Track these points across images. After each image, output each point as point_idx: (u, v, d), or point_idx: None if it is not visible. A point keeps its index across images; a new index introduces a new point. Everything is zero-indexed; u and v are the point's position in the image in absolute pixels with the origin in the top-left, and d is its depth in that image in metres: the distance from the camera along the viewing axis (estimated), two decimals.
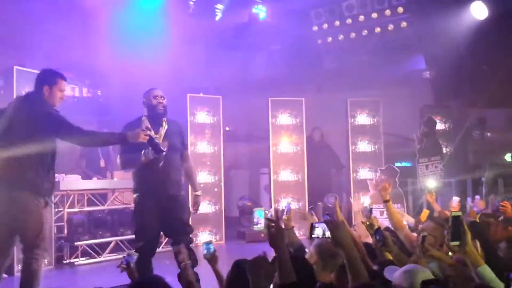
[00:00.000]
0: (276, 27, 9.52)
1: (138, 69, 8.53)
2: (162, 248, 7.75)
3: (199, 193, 5.06)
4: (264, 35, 9.61)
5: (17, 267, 6.04)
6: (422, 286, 1.95)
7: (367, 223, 3.68)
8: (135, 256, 3.04)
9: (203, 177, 8.50)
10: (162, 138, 4.62)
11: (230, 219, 8.97)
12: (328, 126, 9.53)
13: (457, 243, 2.57)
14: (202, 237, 8.35)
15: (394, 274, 2.59)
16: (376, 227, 3.48)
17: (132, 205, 7.93)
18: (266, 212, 3.84)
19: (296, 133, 8.91)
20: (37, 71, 6.59)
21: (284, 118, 8.92)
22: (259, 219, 7.65)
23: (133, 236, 7.26)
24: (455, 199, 5.81)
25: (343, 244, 2.47)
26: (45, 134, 3.99)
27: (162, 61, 8.39)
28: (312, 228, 2.69)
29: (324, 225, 2.58)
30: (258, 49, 9.94)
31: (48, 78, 4.20)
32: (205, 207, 8.44)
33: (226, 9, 9.12)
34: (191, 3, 9.05)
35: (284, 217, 3.98)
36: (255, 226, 7.72)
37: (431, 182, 7.65)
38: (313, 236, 2.70)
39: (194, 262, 4.84)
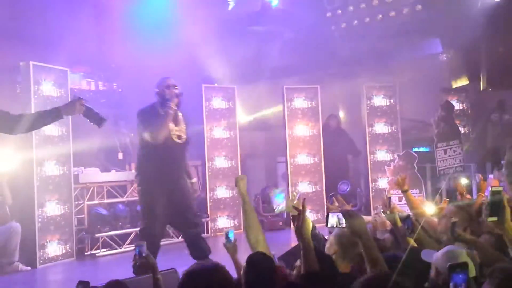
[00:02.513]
0: (289, 15, 9.44)
1: (152, 60, 8.56)
2: (181, 238, 7.81)
3: (194, 180, 5.13)
4: (277, 23, 9.55)
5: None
6: (449, 269, 1.95)
7: (388, 212, 3.69)
8: (144, 243, 3.04)
9: (220, 162, 8.53)
10: (183, 129, 4.69)
11: None
12: (344, 112, 9.48)
13: (495, 218, 2.53)
14: (220, 222, 8.39)
15: (435, 255, 2.60)
16: (397, 215, 3.52)
17: None
18: (294, 193, 3.80)
19: (312, 120, 8.87)
20: (53, 66, 6.74)
21: (300, 102, 8.87)
22: (278, 201, 7.64)
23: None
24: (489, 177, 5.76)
25: (360, 234, 2.48)
26: None
27: (176, 52, 8.40)
28: (327, 217, 2.70)
29: (339, 214, 2.59)
30: (271, 37, 9.88)
31: None
32: (223, 192, 8.49)
33: None
34: None
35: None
36: (276, 208, 7.69)
37: (463, 180, 7.55)
38: (328, 225, 2.70)
39: (206, 252, 4.85)
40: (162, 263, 4.55)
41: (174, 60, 8.45)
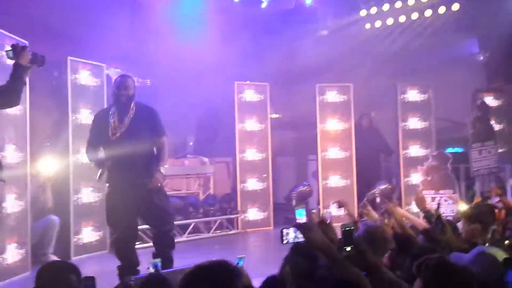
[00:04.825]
0: (323, 13, 9.42)
1: (186, 57, 8.65)
2: (212, 233, 7.89)
3: (161, 169, 4.74)
4: (311, 21, 9.53)
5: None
6: (505, 263, 1.94)
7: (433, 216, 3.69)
8: (158, 260, 3.06)
9: (251, 155, 8.57)
10: (127, 125, 4.64)
11: (277, 206, 9.01)
12: (377, 111, 9.40)
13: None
14: (251, 215, 8.43)
15: (466, 257, 2.57)
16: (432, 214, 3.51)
17: (181, 191, 8.25)
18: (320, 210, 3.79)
19: (344, 114, 8.83)
20: (89, 62, 6.89)
21: (332, 96, 8.83)
22: (299, 217, 7.63)
23: (181, 222, 7.53)
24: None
25: (319, 246, 2.40)
26: None
27: (209, 49, 8.47)
28: (282, 233, 2.67)
29: (294, 228, 2.57)
30: (305, 35, 9.87)
31: None
32: (254, 184, 8.53)
33: None
34: None
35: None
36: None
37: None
38: (283, 242, 2.67)
39: (169, 247, 4.74)
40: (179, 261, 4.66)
41: (207, 57, 8.53)
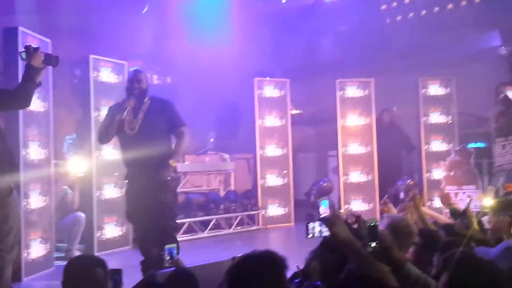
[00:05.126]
0: (343, 8, 9.37)
1: (205, 54, 8.69)
2: (233, 229, 7.93)
3: (171, 162, 4.63)
4: (330, 16, 9.49)
5: None
6: None
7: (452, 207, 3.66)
8: (174, 245, 3.07)
9: (271, 150, 8.58)
10: (142, 119, 4.57)
11: (297, 202, 9.00)
12: (398, 106, 9.31)
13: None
14: (271, 211, 8.43)
15: (492, 252, 2.54)
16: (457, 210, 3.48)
17: (203, 187, 8.30)
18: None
19: (365, 110, 8.77)
20: (111, 60, 6.96)
21: (353, 92, 8.75)
22: (325, 209, 7.59)
23: (202, 218, 7.58)
24: None
25: (344, 241, 2.38)
26: None
27: (228, 46, 8.49)
28: (307, 227, 2.65)
29: (320, 222, 2.55)
30: (324, 30, 9.83)
31: None
32: (274, 180, 8.53)
33: None
34: None
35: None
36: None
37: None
38: (308, 236, 2.65)
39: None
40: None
41: (227, 54, 8.56)
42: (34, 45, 3.87)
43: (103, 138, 4.75)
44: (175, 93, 9.48)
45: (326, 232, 2.51)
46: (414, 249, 2.98)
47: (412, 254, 2.99)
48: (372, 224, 2.59)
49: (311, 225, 2.62)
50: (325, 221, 2.42)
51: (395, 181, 7.95)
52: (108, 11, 7.83)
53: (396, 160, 8.92)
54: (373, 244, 2.54)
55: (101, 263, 2.42)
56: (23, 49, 3.75)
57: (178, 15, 8.79)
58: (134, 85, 4.63)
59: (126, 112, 4.52)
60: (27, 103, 3.73)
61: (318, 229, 2.61)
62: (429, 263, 2.80)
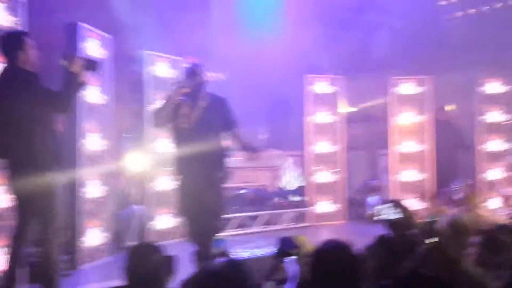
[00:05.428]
0: (399, 3, 9.17)
1: (257, 50, 8.72)
2: (284, 225, 7.93)
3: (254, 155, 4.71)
4: (385, 12, 9.31)
5: None
6: None
7: None
8: (222, 240, 3.10)
9: (322, 147, 8.54)
10: (200, 115, 4.54)
11: (348, 201, 8.89)
12: (455, 104, 9.06)
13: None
14: (321, 208, 8.37)
15: None
16: None
17: (251, 183, 8.34)
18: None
19: (420, 108, 8.57)
20: (167, 56, 7.10)
21: (407, 89, 8.60)
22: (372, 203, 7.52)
23: (254, 213, 7.64)
24: None
25: (411, 224, 2.38)
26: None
27: (280, 41, 8.49)
28: (374, 210, 2.64)
29: (389, 205, 2.51)
30: (379, 26, 9.66)
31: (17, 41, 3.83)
32: (325, 177, 8.50)
33: None
34: None
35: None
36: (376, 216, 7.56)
37: None
38: (375, 219, 2.63)
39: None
40: None
41: (279, 49, 8.55)
42: (72, 53, 4.10)
43: (158, 118, 4.70)
44: (227, 88, 9.57)
45: (392, 215, 2.51)
46: (476, 249, 2.91)
47: (475, 255, 2.91)
48: (430, 220, 2.55)
49: (378, 207, 2.62)
50: (396, 203, 2.44)
51: (450, 181, 7.76)
52: (163, 8, 7.97)
53: (452, 160, 8.69)
54: (430, 241, 2.50)
55: (159, 250, 2.50)
56: (64, 57, 3.83)
57: (230, 10, 8.86)
58: (192, 77, 4.64)
59: (180, 95, 4.50)
60: (67, 108, 3.87)
61: (385, 212, 2.59)
62: (495, 265, 2.72)
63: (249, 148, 4.78)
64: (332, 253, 2.19)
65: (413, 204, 8.20)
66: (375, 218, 2.70)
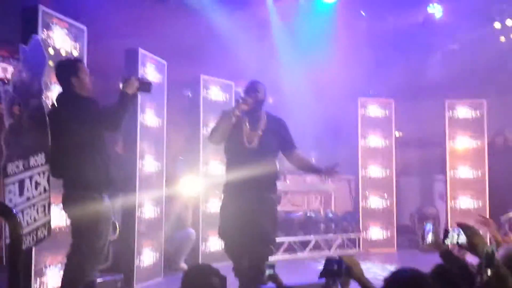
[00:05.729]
0: (453, 26, 9.04)
1: (309, 73, 8.76)
2: (333, 250, 7.81)
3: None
4: (440, 35, 9.19)
5: None
6: None
7: None
8: (272, 264, 3.06)
9: (374, 171, 8.46)
10: (261, 135, 4.39)
11: (400, 227, 8.70)
12: None
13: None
14: (373, 233, 8.28)
15: None
16: None
17: (301, 207, 8.29)
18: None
19: (476, 132, 8.36)
20: (220, 80, 7.24)
21: (463, 113, 8.43)
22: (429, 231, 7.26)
23: (301, 238, 7.55)
24: None
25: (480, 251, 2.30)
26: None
27: (333, 65, 8.50)
28: (446, 233, 2.57)
29: (457, 229, 2.43)
30: (433, 49, 9.54)
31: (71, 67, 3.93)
32: (376, 202, 8.37)
33: (399, 10, 8.91)
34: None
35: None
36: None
37: None
38: (445, 241, 2.57)
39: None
40: None
41: (331, 73, 8.56)
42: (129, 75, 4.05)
43: (215, 133, 4.48)
44: (276, 113, 9.62)
45: (462, 240, 2.46)
46: None
47: None
48: (489, 251, 2.46)
49: (450, 233, 2.56)
50: (465, 227, 2.38)
51: (508, 208, 7.46)
52: (218, 33, 8.15)
53: (510, 186, 8.39)
54: (489, 272, 2.42)
55: (217, 272, 2.53)
56: (123, 79, 3.91)
57: (282, 34, 8.95)
58: (251, 94, 4.43)
59: (239, 111, 4.32)
60: (117, 128, 3.93)
61: (454, 237, 2.53)
62: None
63: (316, 169, 4.69)
64: (408, 283, 2.13)
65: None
66: (446, 243, 2.63)
